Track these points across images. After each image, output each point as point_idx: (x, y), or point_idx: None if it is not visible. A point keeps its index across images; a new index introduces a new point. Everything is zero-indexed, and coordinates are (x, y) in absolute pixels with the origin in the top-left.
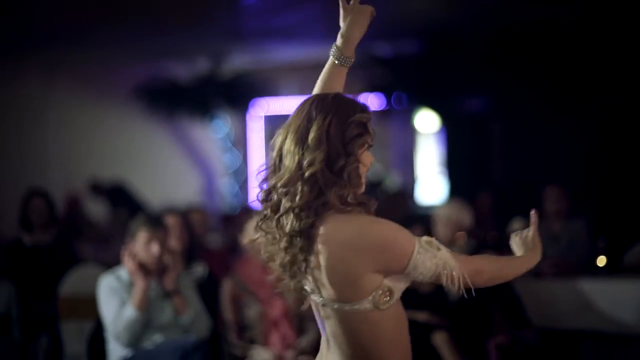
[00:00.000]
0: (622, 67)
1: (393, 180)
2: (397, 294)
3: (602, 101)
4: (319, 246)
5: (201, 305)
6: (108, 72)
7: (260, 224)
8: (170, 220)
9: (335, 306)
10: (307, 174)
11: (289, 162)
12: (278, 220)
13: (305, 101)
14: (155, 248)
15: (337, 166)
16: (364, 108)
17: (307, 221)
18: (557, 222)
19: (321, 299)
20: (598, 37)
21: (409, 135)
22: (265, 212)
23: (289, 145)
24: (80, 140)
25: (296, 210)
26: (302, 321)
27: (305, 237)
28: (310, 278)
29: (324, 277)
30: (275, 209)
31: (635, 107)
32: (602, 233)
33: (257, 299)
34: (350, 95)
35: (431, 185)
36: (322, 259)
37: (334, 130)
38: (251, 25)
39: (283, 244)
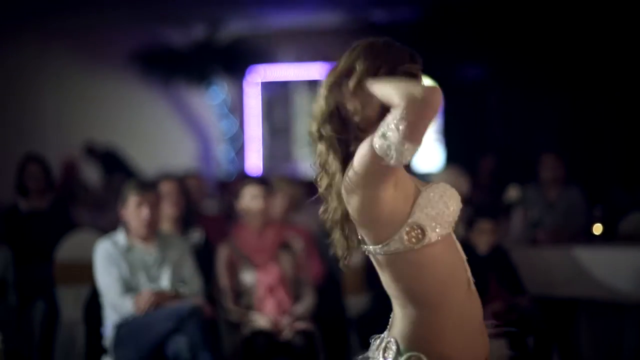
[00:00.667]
0: (621, 34)
1: None
2: (432, 234)
3: (599, 69)
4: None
5: (196, 271)
6: (104, 38)
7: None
8: (167, 186)
9: (372, 250)
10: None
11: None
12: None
13: (356, 45)
14: (145, 212)
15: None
16: (414, 58)
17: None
18: (553, 189)
19: (365, 246)
20: (596, 3)
21: None
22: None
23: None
24: (76, 106)
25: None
26: (298, 287)
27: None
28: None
29: (356, 221)
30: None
31: (634, 75)
32: (598, 201)
33: (252, 265)
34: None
35: (428, 153)
36: (347, 202)
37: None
38: None
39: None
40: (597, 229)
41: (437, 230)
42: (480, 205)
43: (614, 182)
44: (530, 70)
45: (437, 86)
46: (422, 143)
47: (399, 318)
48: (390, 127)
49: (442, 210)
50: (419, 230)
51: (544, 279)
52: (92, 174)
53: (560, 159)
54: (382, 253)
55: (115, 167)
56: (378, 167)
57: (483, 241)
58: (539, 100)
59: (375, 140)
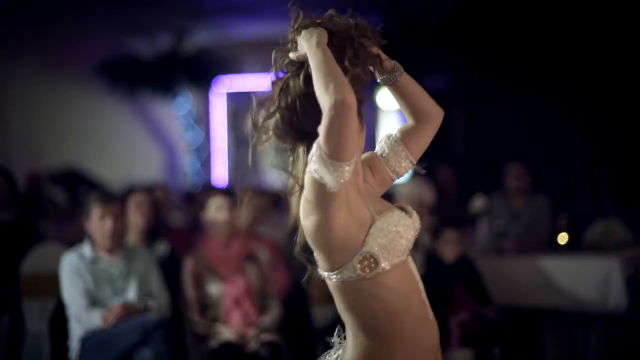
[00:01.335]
0: (583, 45)
1: None
2: (385, 264)
3: (563, 76)
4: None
5: (162, 283)
6: (70, 49)
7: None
8: (138, 198)
9: (325, 275)
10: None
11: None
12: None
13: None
14: (108, 224)
15: None
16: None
17: None
18: (519, 199)
19: (320, 271)
20: (558, 15)
21: (371, 112)
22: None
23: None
24: (42, 117)
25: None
26: (264, 299)
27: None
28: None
29: (311, 246)
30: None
31: (596, 84)
32: (563, 210)
33: (219, 277)
34: None
35: None
36: (303, 225)
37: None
38: (213, 1)
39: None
40: (562, 238)
41: (390, 259)
42: (445, 215)
43: (578, 191)
44: (495, 80)
45: (349, 91)
46: (350, 158)
47: (350, 346)
48: (314, 149)
49: (396, 240)
50: (372, 260)
51: (510, 289)
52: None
53: (525, 169)
54: (334, 280)
55: (79, 184)
56: (322, 192)
57: (449, 251)
58: (503, 109)
59: (310, 166)
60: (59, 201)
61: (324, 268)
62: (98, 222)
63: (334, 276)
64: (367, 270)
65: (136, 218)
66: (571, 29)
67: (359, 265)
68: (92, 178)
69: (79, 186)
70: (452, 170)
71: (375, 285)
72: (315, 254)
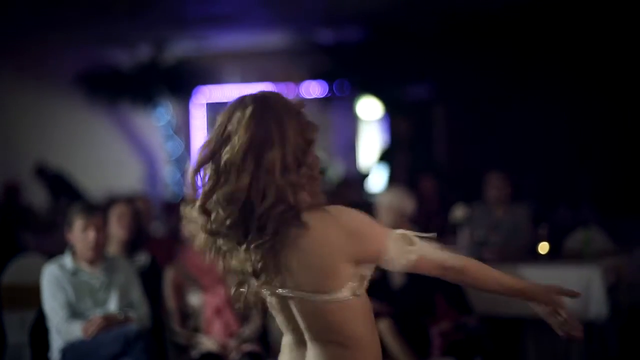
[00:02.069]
0: (564, 56)
1: (336, 169)
2: (367, 279)
3: (543, 86)
4: (295, 245)
5: (143, 294)
6: (50, 59)
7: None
8: (120, 209)
9: (316, 298)
10: (277, 178)
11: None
12: (235, 228)
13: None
14: (91, 235)
15: (305, 164)
16: (300, 101)
17: (275, 225)
18: (499, 208)
19: (300, 293)
20: (539, 22)
21: (352, 122)
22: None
23: (239, 156)
24: (21, 127)
25: (262, 218)
26: (245, 309)
27: (275, 241)
28: (283, 276)
29: (301, 273)
30: (235, 220)
31: (577, 95)
32: (544, 219)
33: (199, 287)
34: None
35: (373, 173)
36: (299, 257)
37: (293, 130)
38: (192, 11)
39: (246, 249)
40: (543, 247)
41: (370, 271)
42: (426, 225)
43: (559, 200)
44: (476, 89)
45: None
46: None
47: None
48: None
49: None
50: (362, 278)
51: (491, 298)
52: (37, 197)
53: (506, 178)
54: (324, 300)
55: (63, 190)
56: None
57: None
58: (484, 119)
59: None
60: (37, 206)
61: (318, 291)
62: (80, 234)
63: (328, 297)
64: (358, 288)
65: (117, 230)
66: (552, 40)
67: (354, 285)
68: (77, 188)
69: (61, 193)
70: (433, 180)
71: (360, 300)
72: (302, 283)
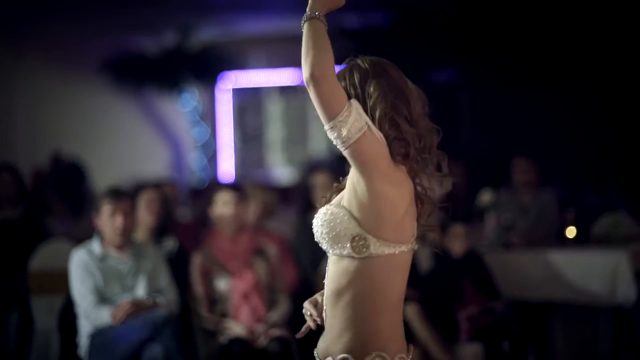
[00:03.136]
0: (591, 37)
1: None
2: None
3: (570, 69)
4: None
5: (171, 279)
6: (75, 46)
7: None
8: (149, 195)
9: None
10: None
11: None
12: None
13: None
14: (119, 220)
15: None
16: None
17: None
18: (526, 193)
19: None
20: (566, 7)
21: None
22: None
23: None
24: (48, 114)
25: None
26: (272, 294)
27: None
28: None
29: None
30: None
31: (602, 77)
32: (571, 204)
33: (227, 272)
34: None
35: None
36: None
37: None
38: None
39: None
40: (570, 232)
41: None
42: (453, 210)
43: (586, 184)
44: (502, 73)
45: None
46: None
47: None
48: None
49: None
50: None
51: (518, 283)
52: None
53: (532, 163)
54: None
55: (73, 182)
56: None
57: (457, 246)
58: (510, 103)
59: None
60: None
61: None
62: (108, 219)
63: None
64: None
65: (146, 215)
66: (579, 22)
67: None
68: (88, 182)
69: (72, 185)
70: (460, 165)
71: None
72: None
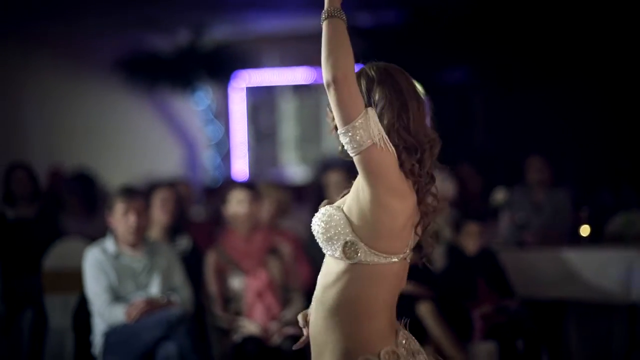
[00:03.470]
0: (604, 35)
1: None
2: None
3: (583, 69)
4: None
5: (185, 278)
6: (88, 45)
7: None
8: (163, 194)
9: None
10: None
11: None
12: None
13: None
14: (132, 219)
15: None
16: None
17: None
18: (540, 192)
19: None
20: (578, 6)
21: None
22: None
23: None
24: (61, 113)
25: None
26: (286, 292)
27: None
28: None
29: None
30: None
31: (616, 76)
32: (585, 202)
33: (241, 271)
34: None
35: None
36: None
37: None
38: None
39: None
40: (584, 230)
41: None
42: (467, 208)
43: (600, 183)
44: (515, 71)
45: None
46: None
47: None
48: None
49: None
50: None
51: (532, 281)
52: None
53: (546, 162)
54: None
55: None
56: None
57: (471, 244)
58: (524, 101)
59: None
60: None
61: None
62: (121, 218)
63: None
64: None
65: (160, 215)
66: (591, 20)
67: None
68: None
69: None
70: (472, 167)
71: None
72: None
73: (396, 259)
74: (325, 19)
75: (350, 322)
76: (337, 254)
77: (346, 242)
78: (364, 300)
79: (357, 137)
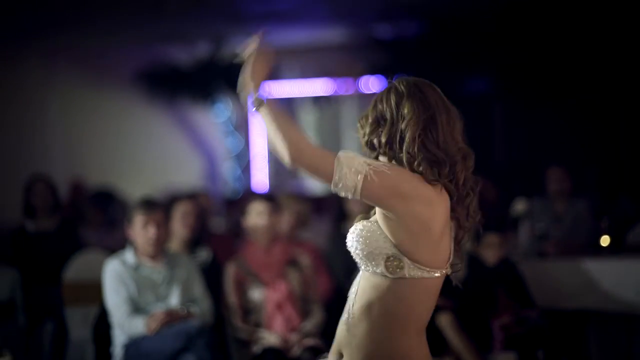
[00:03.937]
0: (624, 46)
1: None
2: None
3: (604, 79)
4: None
5: (205, 289)
6: (109, 57)
7: None
8: (184, 206)
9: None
10: None
11: None
12: None
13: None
14: (151, 231)
15: None
16: None
17: None
18: (561, 202)
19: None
20: (599, 14)
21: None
22: None
23: None
24: (82, 125)
25: None
26: (306, 304)
27: None
28: None
29: None
30: None
31: (636, 87)
32: (605, 212)
33: (260, 282)
34: None
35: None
36: None
37: None
38: (252, 8)
39: None
40: (605, 240)
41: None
42: (487, 219)
43: (621, 193)
44: (535, 82)
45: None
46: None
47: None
48: None
49: None
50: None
51: (553, 292)
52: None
53: (566, 172)
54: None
55: (110, 202)
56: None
57: (491, 254)
58: (544, 112)
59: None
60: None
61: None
62: (141, 230)
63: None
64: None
65: (180, 228)
66: (612, 31)
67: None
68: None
69: (110, 204)
70: (487, 178)
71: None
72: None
73: (438, 274)
74: (256, 108)
75: (392, 338)
76: (379, 269)
77: (388, 257)
78: (409, 316)
79: (348, 185)
